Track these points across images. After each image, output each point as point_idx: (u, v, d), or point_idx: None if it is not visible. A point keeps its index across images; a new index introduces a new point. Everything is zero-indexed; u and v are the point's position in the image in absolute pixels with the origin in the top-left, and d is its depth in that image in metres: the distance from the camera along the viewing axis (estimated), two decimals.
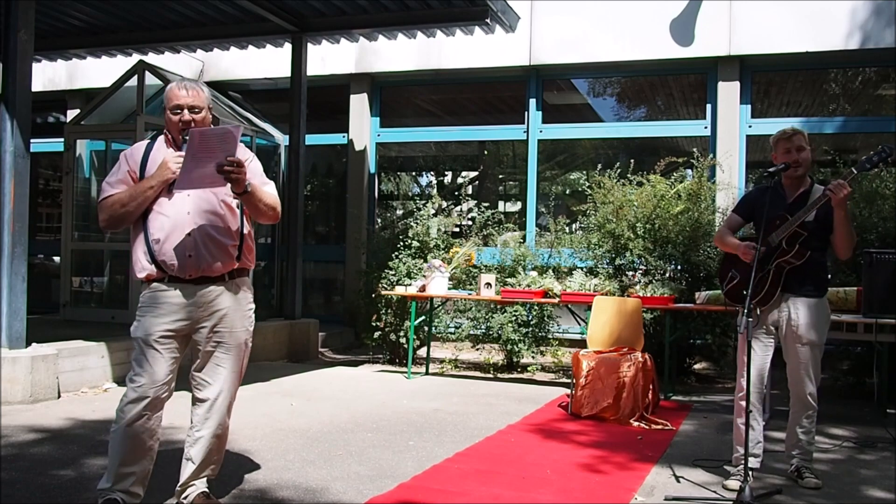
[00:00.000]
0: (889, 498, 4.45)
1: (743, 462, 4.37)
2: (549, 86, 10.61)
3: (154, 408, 3.62)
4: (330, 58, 10.54)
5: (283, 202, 9.77)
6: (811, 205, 4.48)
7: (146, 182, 3.60)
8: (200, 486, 3.79)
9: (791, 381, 4.69)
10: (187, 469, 3.77)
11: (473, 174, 12.82)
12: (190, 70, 11.02)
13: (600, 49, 9.73)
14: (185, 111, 3.64)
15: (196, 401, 3.79)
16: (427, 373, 8.38)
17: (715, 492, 4.42)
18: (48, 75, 12.22)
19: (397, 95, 11.57)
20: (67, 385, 6.63)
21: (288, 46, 9.63)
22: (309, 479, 4.41)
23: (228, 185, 3.54)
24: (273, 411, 6.23)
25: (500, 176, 12.49)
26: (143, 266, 3.65)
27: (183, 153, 3.47)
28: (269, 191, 3.76)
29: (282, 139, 10.32)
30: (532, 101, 10.25)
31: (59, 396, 6.44)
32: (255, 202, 3.68)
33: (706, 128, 9.65)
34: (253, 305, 3.92)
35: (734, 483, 4.46)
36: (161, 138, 3.80)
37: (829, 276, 4.85)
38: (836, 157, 8.17)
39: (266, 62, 10.71)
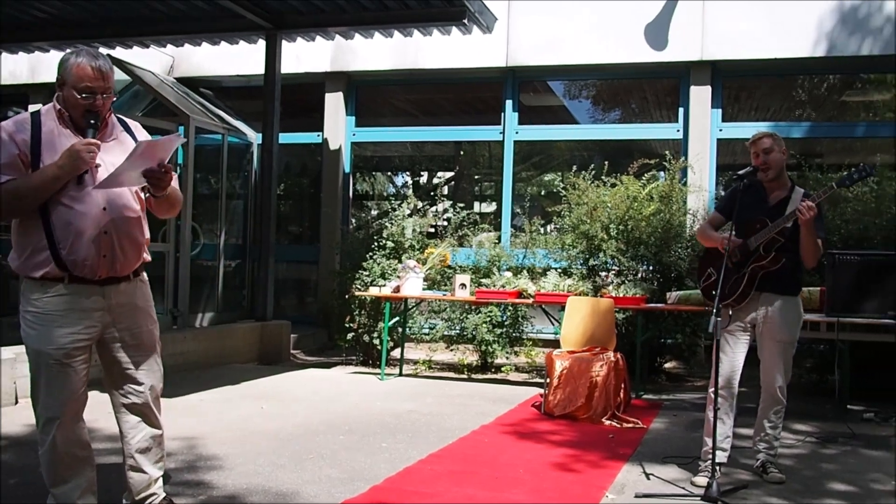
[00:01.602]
0: (849, 490, 4.58)
1: (710, 456, 4.49)
2: (526, 87, 10.65)
3: (74, 420, 3.38)
4: (305, 56, 10.50)
5: (256, 201, 9.86)
6: (787, 217, 4.57)
7: (51, 173, 3.17)
8: (160, 492, 3.64)
9: (763, 377, 4.80)
10: (138, 480, 3.57)
11: (449, 175, 12.84)
12: (159, 65, 10.90)
13: (576, 51, 9.78)
14: (99, 97, 3.26)
15: (123, 408, 3.53)
16: (401, 374, 8.37)
17: (684, 488, 4.50)
18: (9, 69, 12.00)
19: (373, 95, 11.55)
20: (27, 390, 6.48)
21: (262, 43, 9.55)
22: (280, 483, 4.38)
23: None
24: (243, 414, 6.19)
25: (476, 177, 12.52)
26: (38, 263, 3.25)
27: (92, 139, 3.20)
28: (176, 187, 3.55)
29: (254, 137, 10.25)
30: (508, 103, 10.28)
31: (16, 402, 6.26)
32: (170, 201, 3.53)
33: (678, 131, 9.73)
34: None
35: (702, 479, 4.54)
36: (50, 115, 3.33)
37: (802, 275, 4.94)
38: (803, 161, 8.29)
39: (239, 59, 10.62)
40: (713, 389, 4.60)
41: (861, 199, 7.55)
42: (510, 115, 10.27)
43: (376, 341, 8.67)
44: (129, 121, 3.62)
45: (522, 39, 9.98)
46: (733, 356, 4.75)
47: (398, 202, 9.37)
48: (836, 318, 6.11)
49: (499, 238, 9.49)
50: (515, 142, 10.32)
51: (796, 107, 10.18)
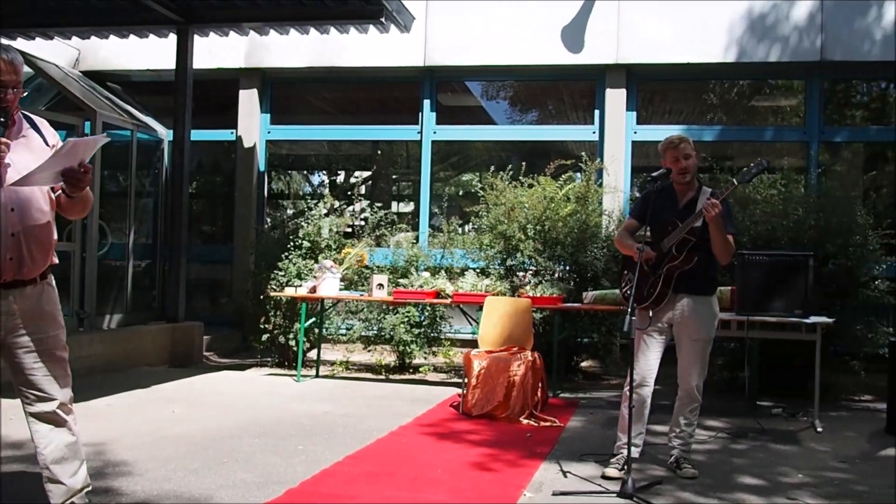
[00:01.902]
0: (759, 483, 4.71)
1: (623, 451, 4.57)
2: (444, 87, 10.64)
3: None
4: (218, 51, 10.23)
5: (166, 199, 9.58)
6: (696, 215, 4.68)
7: None
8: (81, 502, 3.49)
9: (680, 376, 4.90)
10: (56, 493, 3.41)
11: (367, 174, 12.74)
12: (64, 58, 10.47)
13: (494, 52, 9.82)
14: (10, 91, 3.15)
15: (32, 416, 3.38)
16: (317, 375, 8.25)
17: (600, 485, 4.55)
18: None
19: (289, 92, 11.36)
20: None
21: (173, 37, 9.27)
22: (192, 489, 4.24)
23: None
24: (154, 419, 5.99)
25: (394, 176, 12.46)
26: None
27: (2, 138, 3.07)
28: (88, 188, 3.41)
29: (165, 134, 9.95)
30: (426, 102, 10.25)
31: None
32: (84, 202, 3.40)
33: (594, 133, 9.87)
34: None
35: (612, 471, 4.66)
36: None
37: (717, 274, 5.06)
38: (714, 163, 8.51)
39: (149, 53, 10.26)
40: (629, 388, 4.68)
41: (769, 202, 7.78)
42: (428, 115, 10.25)
43: (292, 342, 8.51)
44: (34, 117, 3.47)
45: (440, 39, 9.96)
46: (649, 355, 4.83)
47: (314, 201, 9.24)
48: (746, 317, 6.26)
49: (416, 238, 9.45)
50: (433, 142, 10.30)
51: (708, 111, 10.45)
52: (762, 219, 7.65)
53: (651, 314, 4.80)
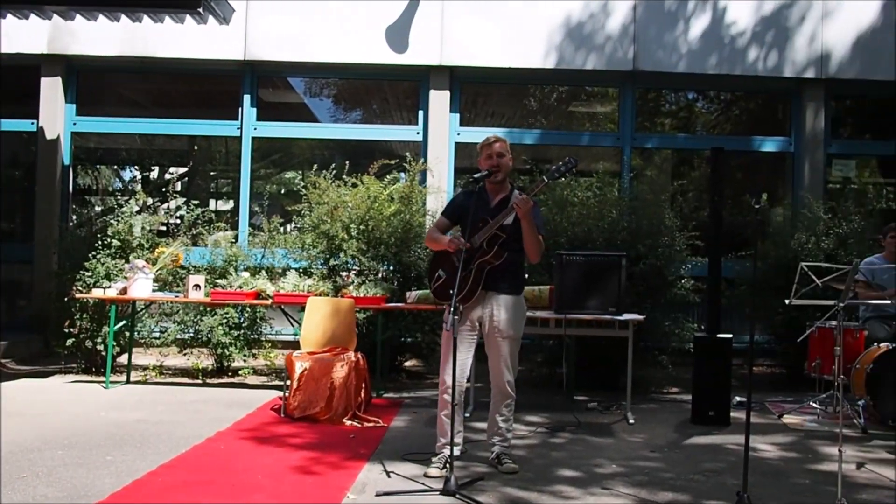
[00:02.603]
0: (577, 475, 4.89)
1: (444, 451, 4.71)
2: (265, 83, 10.37)
3: None
4: (16, 35, 9.43)
5: None
6: (507, 211, 4.84)
7: None
8: None
9: (493, 373, 5.03)
10: None
11: (183, 170, 12.20)
12: None
13: (317, 49, 9.67)
14: None
15: None
16: (128, 381, 7.81)
17: (423, 483, 4.58)
18: None
19: (98, 82, 10.67)
20: None
21: None
22: None
23: None
24: None
25: (212, 173, 12.01)
26: None
27: None
28: None
29: None
30: (246, 98, 9.95)
31: None
32: None
33: (419, 133, 9.94)
34: None
35: (434, 471, 4.73)
36: None
37: (526, 275, 5.23)
38: (534, 166, 8.79)
39: None
40: (444, 387, 4.77)
41: (585, 204, 8.12)
42: (248, 111, 9.95)
43: (101, 347, 8.01)
44: None
45: (261, 33, 9.70)
46: (463, 356, 4.91)
47: (125, 198, 8.75)
48: (563, 315, 6.49)
49: (236, 237, 9.16)
50: (254, 138, 10.02)
51: (529, 114, 10.79)
52: (579, 220, 7.97)
53: (461, 309, 4.88)
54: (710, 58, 9.72)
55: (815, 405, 6.99)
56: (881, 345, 6.62)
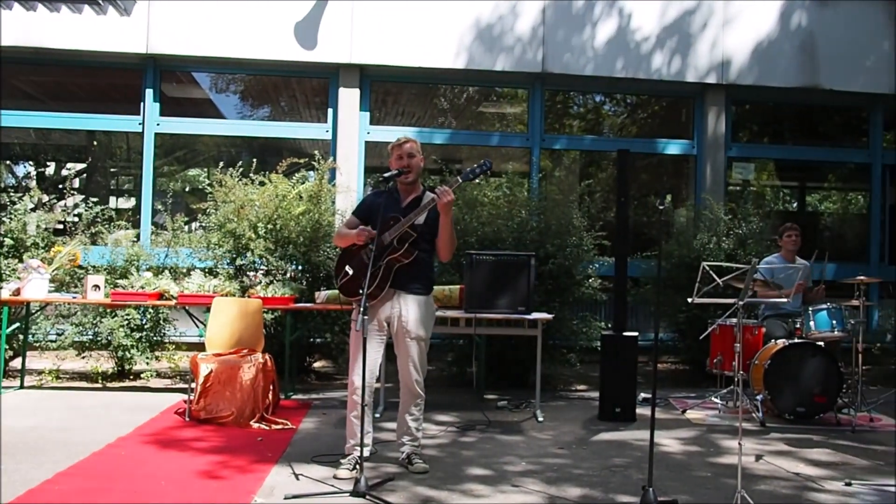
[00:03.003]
0: (487, 473, 4.91)
1: (354, 452, 4.67)
2: (169, 77, 10.08)
3: None
4: None
5: None
6: (421, 208, 4.85)
7: None
8: None
9: (401, 373, 5.01)
10: None
11: (81, 166, 11.75)
12: None
13: (223, 44, 9.44)
14: None
15: None
16: (22, 386, 7.45)
17: (332, 485, 4.53)
18: None
19: None
20: None
21: None
22: None
23: None
24: None
25: (113, 169, 11.59)
26: None
27: None
28: None
29: None
30: (149, 92, 9.64)
31: None
32: None
33: (328, 131, 9.82)
34: None
35: (344, 472, 4.69)
36: None
37: (436, 275, 5.23)
38: (444, 166, 8.81)
39: None
40: (353, 388, 4.75)
41: (495, 204, 8.18)
42: (151, 105, 9.64)
43: None
44: None
45: (165, 27, 9.41)
46: (372, 356, 4.89)
47: (19, 195, 8.35)
48: (473, 315, 6.51)
49: (137, 236, 8.85)
50: (157, 134, 9.71)
51: (439, 114, 10.79)
52: (488, 220, 8.02)
53: (369, 306, 4.85)
54: (616, 61, 9.92)
55: (716, 400, 7.21)
56: (778, 341, 6.87)
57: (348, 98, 9.71)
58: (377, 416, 6.18)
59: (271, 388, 6.38)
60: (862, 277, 6.95)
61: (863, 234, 10.92)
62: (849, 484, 4.84)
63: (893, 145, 11.03)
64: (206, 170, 10.19)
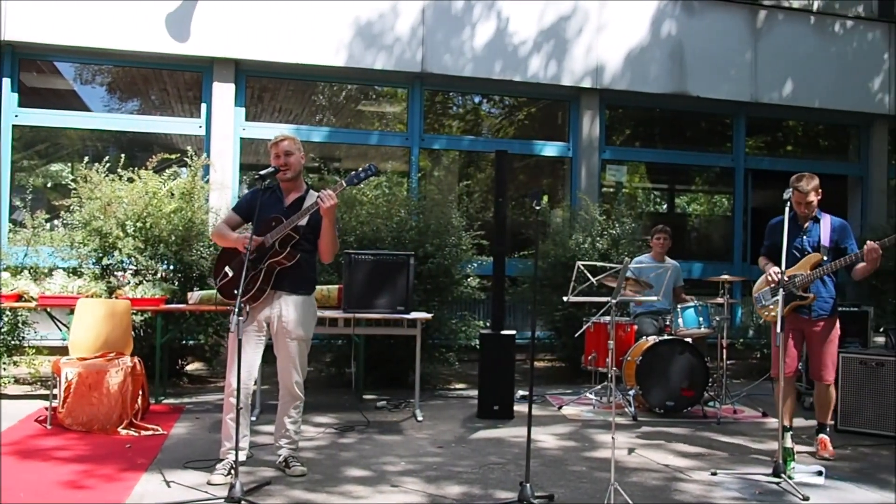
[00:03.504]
0: (366, 474, 4.88)
1: (229, 456, 4.60)
2: (28, 66, 9.51)
3: None
4: None
5: None
6: (304, 210, 4.77)
7: None
8: None
9: (281, 374, 4.94)
10: None
11: None
12: None
13: (89, 34, 8.98)
14: None
15: None
16: None
17: (206, 492, 4.42)
18: None
19: None
20: None
21: None
22: None
23: None
24: None
25: None
26: None
27: None
28: None
29: None
30: (6, 82, 9.06)
31: None
32: None
33: (201, 127, 9.52)
34: None
35: (218, 478, 4.59)
36: None
37: (316, 276, 5.16)
38: (323, 164, 8.68)
39: None
40: (231, 389, 4.64)
41: (374, 203, 8.13)
42: (8, 96, 9.07)
43: None
44: None
45: (22, 12, 8.87)
46: (250, 357, 4.81)
47: None
48: (352, 314, 6.45)
49: None
50: (15, 126, 9.15)
51: (317, 112, 10.63)
52: (367, 219, 7.98)
53: (248, 310, 4.74)
54: (495, 63, 10.03)
55: (591, 396, 7.40)
56: (649, 338, 7.12)
57: (223, 93, 9.43)
58: (254, 418, 6.04)
59: (140, 392, 6.19)
60: (726, 276, 7.28)
61: (727, 235, 11.47)
62: (714, 473, 5.06)
63: (755, 150, 11.63)
64: (69, 165, 9.67)
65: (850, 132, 12.04)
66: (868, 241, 5.26)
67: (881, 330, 7.83)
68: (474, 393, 7.08)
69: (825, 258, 5.51)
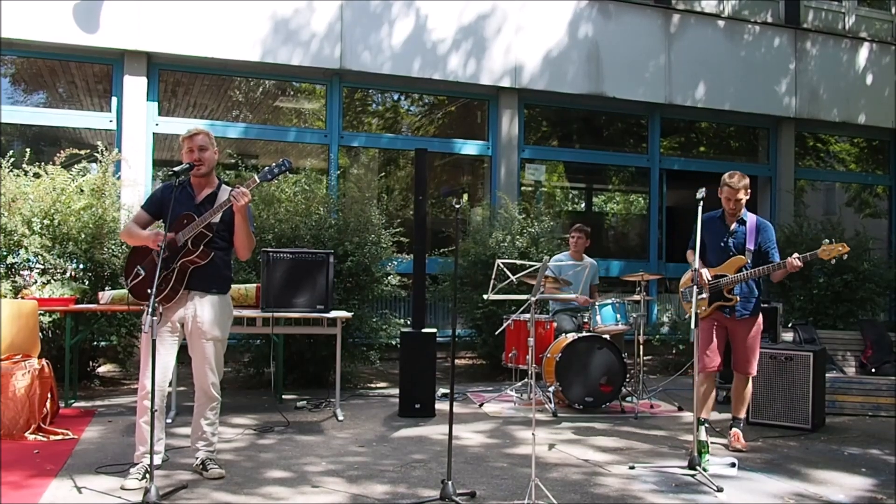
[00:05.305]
0: (286, 475, 4.82)
1: (144, 460, 4.47)
2: None
3: None
4: None
5: None
6: (216, 208, 4.64)
7: None
8: None
9: (196, 376, 4.82)
10: None
11: None
12: None
13: None
14: None
15: None
16: None
17: (120, 497, 4.31)
18: None
19: None
20: None
21: None
22: None
23: None
24: None
25: None
26: None
27: None
28: None
29: None
30: None
31: None
32: None
33: (111, 121, 9.22)
34: None
35: (132, 483, 4.46)
36: None
37: (232, 274, 5.05)
38: (240, 160, 8.52)
39: None
40: (143, 393, 4.52)
41: (293, 201, 8.02)
42: None
43: None
44: None
45: None
46: (165, 359, 4.69)
47: None
48: (270, 313, 6.35)
49: None
50: None
51: (233, 107, 10.41)
52: (286, 217, 7.87)
53: (161, 310, 4.60)
54: (414, 61, 10.02)
55: (511, 393, 7.45)
56: (568, 335, 7.21)
57: (134, 86, 9.16)
58: (169, 421, 5.89)
59: (49, 395, 5.95)
60: (643, 274, 7.44)
61: (643, 234, 11.72)
62: (632, 467, 5.15)
63: (669, 151, 11.91)
64: None
65: (759, 134, 12.46)
66: (794, 255, 5.48)
67: (790, 325, 8.11)
68: (395, 391, 7.06)
69: (748, 262, 5.71)
